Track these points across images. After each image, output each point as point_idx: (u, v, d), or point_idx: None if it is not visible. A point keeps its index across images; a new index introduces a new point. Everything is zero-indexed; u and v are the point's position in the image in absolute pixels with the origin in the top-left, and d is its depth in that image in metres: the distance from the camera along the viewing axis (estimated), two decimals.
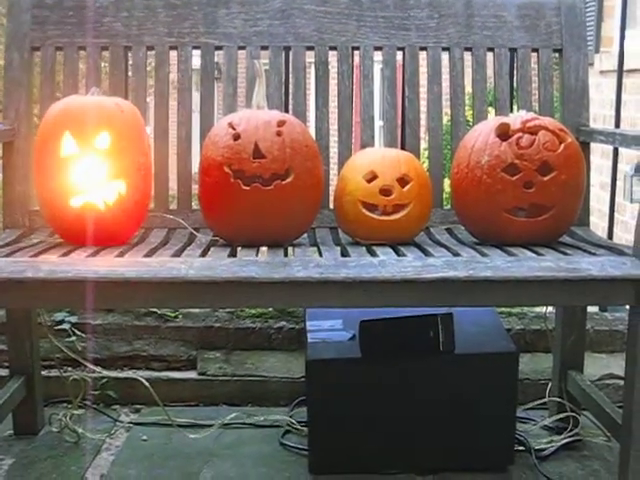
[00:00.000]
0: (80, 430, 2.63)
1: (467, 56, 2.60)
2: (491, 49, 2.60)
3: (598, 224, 4.11)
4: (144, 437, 2.66)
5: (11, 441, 2.61)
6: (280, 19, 2.57)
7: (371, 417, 2.41)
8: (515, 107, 2.64)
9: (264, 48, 2.57)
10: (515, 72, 2.63)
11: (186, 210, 2.53)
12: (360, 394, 2.40)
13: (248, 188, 2.16)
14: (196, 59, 2.58)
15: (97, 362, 2.81)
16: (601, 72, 6.88)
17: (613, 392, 2.81)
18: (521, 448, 2.54)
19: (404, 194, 2.23)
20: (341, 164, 2.47)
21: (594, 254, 2.10)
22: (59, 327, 2.85)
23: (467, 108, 2.68)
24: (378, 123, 2.65)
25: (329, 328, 2.52)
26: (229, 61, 2.57)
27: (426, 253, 2.12)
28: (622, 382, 2.76)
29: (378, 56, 2.59)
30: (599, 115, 6.56)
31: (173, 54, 2.57)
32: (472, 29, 2.59)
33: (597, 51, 7.08)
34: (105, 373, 2.79)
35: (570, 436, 2.60)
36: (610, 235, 3.04)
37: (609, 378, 2.87)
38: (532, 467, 2.47)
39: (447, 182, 2.61)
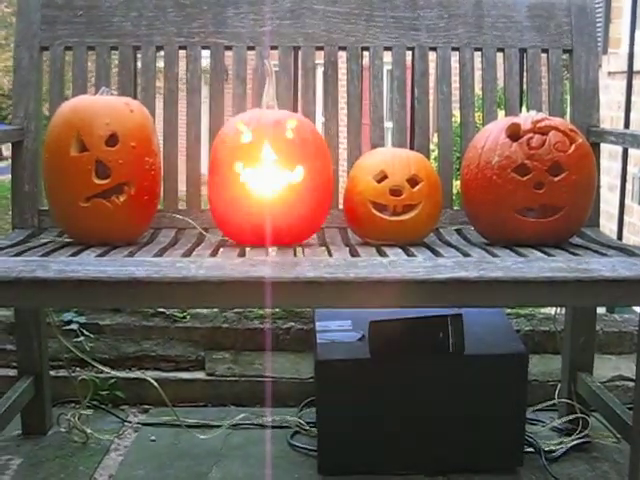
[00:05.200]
0: (88, 430, 2.63)
1: (477, 57, 2.60)
2: (501, 49, 2.60)
3: (605, 225, 4.09)
4: (153, 437, 2.66)
5: (19, 441, 2.61)
6: (290, 19, 2.57)
7: (380, 418, 2.41)
8: (524, 108, 2.63)
9: (274, 48, 2.57)
10: (525, 73, 2.62)
11: (195, 210, 2.53)
12: (369, 395, 2.40)
13: (257, 188, 2.16)
14: (204, 60, 2.58)
15: (105, 362, 2.81)
16: (609, 73, 6.87)
17: (622, 394, 2.81)
18: (530, 449, 2.53)
19: (414, 194, 2.23)
20: (350, 164, 2.46)
21: (605, 255, 2.09)
22: (67, 327, 2.85)
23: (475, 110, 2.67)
24: (386, 124, 2.64)
25: (338, 329, 2.52)
26: (238, 61, 2.56)
27: (436, 254, 2.11)
28: (631, 384, 2.78)
29: (387, 57, 2.58)
30: (606, 117, 6.55)
31: (182, 54, 2.57)
32: (482, 29, 2.59)
33: (605, 52, 7.06)
34: (113, 373, 2.79)
35: (580, 437, 2.60)
36: (620, 236, 3.03)
37: (619, 380, 2.87)
38: (541, 468, 2.46)
39: (456, 183, 2.61)
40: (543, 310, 3.03)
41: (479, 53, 2.60)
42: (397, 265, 1.89)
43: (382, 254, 2.10)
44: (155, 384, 2.67)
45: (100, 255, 2.05)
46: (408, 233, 2.23)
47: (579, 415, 2.63)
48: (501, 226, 2.21)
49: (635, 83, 3.13)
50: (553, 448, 2.56)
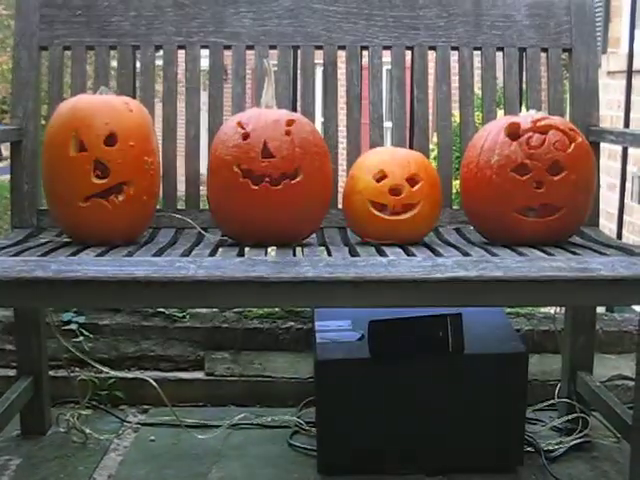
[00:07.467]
0: (88, 430, 2.63)
1: (476, 56, 2.60)
2: (500, 49, 2.59)
3: (605, 225, 4.10)
4: (152, 437, 2.66)
5: (18, 441, 2.60)
6: (289, 18, 2.57)
7: (380, 417, 2.40)
8: (524, 107, 2.63)
9: (273, 47, 2.57)
10: (524, 72, 2.62)
11: (194, 210, 2.53)
12: (369, 394, 2.40)
13: (257, 187, 2.15)
14: (203, 60, 2.58)
15: (105, 362, 2.81)
16: (608, 73, 6.86)
17: (622, 393, 2.80)
18: (530, 449, 2.53)
19: (414, 194, 2.22)
20: (350, 163, 2.46)
21: (604, 254, 2.09)
22: (67, 327, 2.85)
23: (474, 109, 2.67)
24: (386, 124, 2.64)
25: (338, 328, 2.52)
26: (238, 60, 2.56)
27: (436, 253, 2.11)
28: (631, 383, 2.77)
29: (386, 57, 2.58)
30: (606, 116, 6.54)
31: (181, 53, 2.57)
32: (481, 28, 2.59)
33: (604, 52, 7.05)
34: (113, 373, 2.78)
35: (579, 437, 2.59)
36: (619, 236, 3.03)
37: (618, 379, 2.86)
38: (541, 468, 2.46)
39: (455, 182, 2.61)
40: (543, 309, 3.03)
41: (478, 52, 2.59)
42: (396, 264, 1.89)
43: (381, 253, 2.10)
44: (154, 384, 2.67)
45: (99, 255, 2.04)
46: (407, 232, 2.23)
47: (579, 414, 2.63)
48: (501, 225, 2.21)
49: (635, 82, 3.13)
50: (553, 448, 2.55)
